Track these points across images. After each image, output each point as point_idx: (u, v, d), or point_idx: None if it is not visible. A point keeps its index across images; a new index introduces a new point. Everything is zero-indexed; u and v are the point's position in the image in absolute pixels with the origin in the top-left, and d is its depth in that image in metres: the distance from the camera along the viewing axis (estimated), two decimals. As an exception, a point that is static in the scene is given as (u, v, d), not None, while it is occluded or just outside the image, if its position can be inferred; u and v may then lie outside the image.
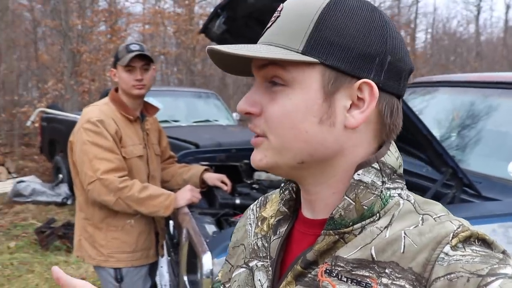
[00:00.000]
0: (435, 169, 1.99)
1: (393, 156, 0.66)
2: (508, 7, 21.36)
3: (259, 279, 0.73)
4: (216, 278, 0.91)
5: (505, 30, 21.63)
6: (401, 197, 0.64)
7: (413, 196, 0.66)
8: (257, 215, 0.84)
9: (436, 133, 2.26)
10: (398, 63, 0.63)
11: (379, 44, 0.62)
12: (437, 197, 1.92)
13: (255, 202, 0.89)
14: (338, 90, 0.61)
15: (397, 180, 0.65)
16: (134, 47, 2.17)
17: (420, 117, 1.83)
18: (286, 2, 0.66)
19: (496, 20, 34.60)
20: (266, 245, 0.76)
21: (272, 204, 0.82)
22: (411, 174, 2.26)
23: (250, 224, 0.84)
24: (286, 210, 0.74)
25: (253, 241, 0.80)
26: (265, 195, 0.88)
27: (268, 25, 0.66)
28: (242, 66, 0.68)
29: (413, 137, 1.82)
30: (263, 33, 0.67)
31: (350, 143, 0.64)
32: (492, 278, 0.50)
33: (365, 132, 0.64)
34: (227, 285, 0.87)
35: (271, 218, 0.78)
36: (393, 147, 0.67)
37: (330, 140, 0.62)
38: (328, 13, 0.61)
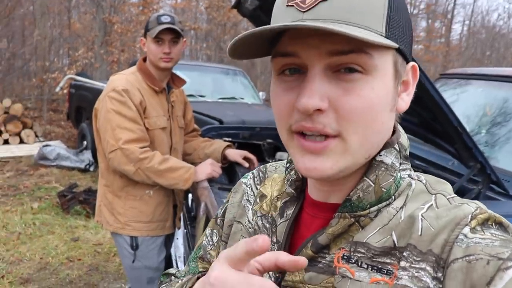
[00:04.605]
0: (462, 163, 1.93)
1: (404, 136, 0.65)
2: (552, 3, 20.53)
3: None
4: (200, 252, 0.87)
5: (547, 27, 20.80)
6: (412, 178, 0.63)
7: (424, 176, 0.65)
8: (256, 192, 0.80)
9: (466, 127, 2.20)
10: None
11: (411, 22, 0.61)
12: (461, 192, 1.86)
13: (248, 176, 0.84)
14: (401, 74, 0.59)
15: (405, 162, 0.64)
16: (165, 18, 2.12)
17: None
18: None
19: (538, 16, 33.14)
20: (267, 225, 0.73)
21: (276, 184, 0.78)
22: (437, 166, 2.19)
23: (248, 200, 0.80)
24: (293, 191, 0.71)
25: (253, 220, 0.76)
26: (259, 168, 0.84)
27: None
28: (258, 49, 0.60)
29: (443, 128, 1.75)
30: (310, 7, 0.54)
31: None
32: None
33: None
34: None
35: (277, 200, 0.75)
36: (399, 126, 0.66)
37: (391, 126, 0.61)
38: None
